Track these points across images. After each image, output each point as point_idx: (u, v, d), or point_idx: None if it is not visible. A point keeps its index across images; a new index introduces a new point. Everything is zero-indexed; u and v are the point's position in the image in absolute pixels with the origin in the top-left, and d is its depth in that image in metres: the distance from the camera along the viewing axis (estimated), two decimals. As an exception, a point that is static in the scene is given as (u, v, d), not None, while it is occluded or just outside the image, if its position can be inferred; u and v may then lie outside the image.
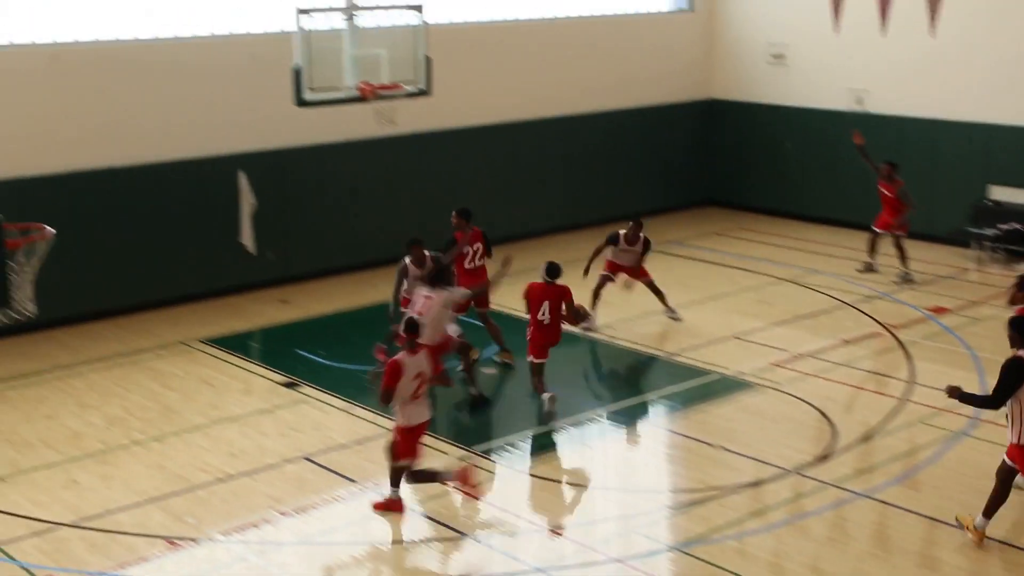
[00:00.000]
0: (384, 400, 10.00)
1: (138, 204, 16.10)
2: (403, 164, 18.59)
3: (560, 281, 12.79)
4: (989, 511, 9.62)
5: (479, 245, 14.26)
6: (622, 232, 15.29)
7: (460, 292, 12.69)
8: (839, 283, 17.43)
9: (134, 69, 15.97)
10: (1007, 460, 9.50)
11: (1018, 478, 9.70)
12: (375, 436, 11.88)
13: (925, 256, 18.73)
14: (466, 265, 14.14)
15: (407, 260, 13.31)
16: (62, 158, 15.51)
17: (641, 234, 15.28)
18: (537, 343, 12.78)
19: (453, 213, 14.19)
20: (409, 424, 10.17)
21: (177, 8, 16.42)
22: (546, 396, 12.53)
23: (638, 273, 15.54)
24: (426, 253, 13.29)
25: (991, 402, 9.39)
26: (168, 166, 16.33)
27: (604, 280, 15.41)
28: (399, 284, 13.29)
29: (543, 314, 12.72)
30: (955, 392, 9.45)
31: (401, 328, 10.36)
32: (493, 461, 11.37)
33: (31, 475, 11.08)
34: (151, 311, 16.21)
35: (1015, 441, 9.34)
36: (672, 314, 15.47)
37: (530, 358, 12.79)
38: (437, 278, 12.44)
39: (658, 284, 15.53)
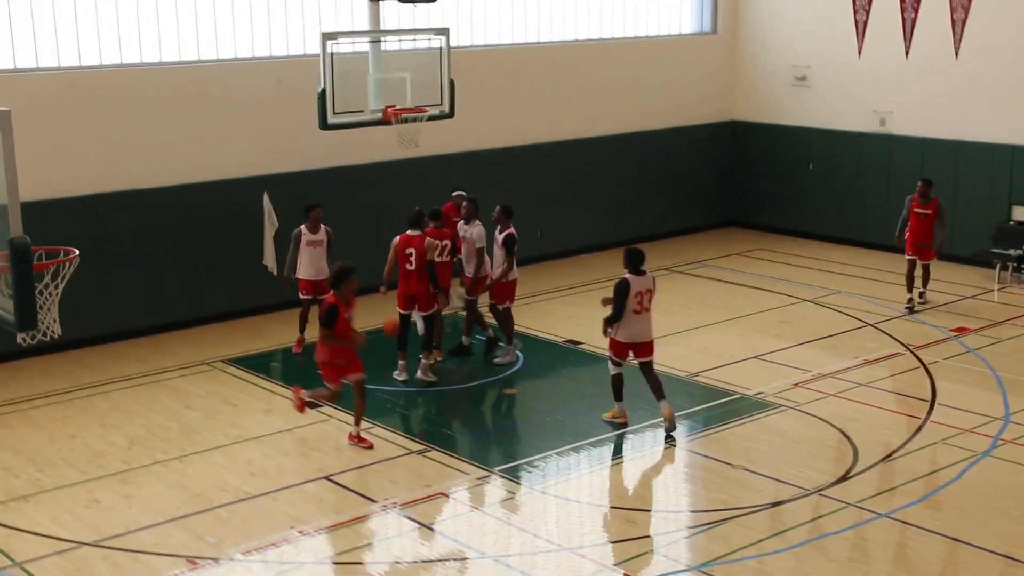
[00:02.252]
0: None
1: (162, 226, 16.19)
2: (426, 186, 18.62)
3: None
4: (617, 395, 12.63)
5: (447, 243, 14.32)
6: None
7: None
8: (860, 303, 17.31)
9: (159, 92, 16.09)
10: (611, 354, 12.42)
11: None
12: (397, 455, 11.88)
13: (948, 276, 18.62)
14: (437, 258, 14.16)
15: (303, 227, 14.78)
16: (88, 180, 15.62)
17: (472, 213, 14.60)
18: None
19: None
20: None
21: (202, 32, 16.54)
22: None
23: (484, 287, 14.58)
24: (323, 226, 14.79)
25: (614, 316, 12.17)
26: (192, 188, 16.44)
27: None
28: (295, 248, 14.78)
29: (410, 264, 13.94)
30: (607, 321, 12.22)
31: None
32: (513, 481, 11.33)
33: (54, 494, 11.11)
34: (174, 332, 16.31)
35: (613, 336, 12.31)
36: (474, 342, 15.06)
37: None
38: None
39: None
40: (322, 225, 15.03)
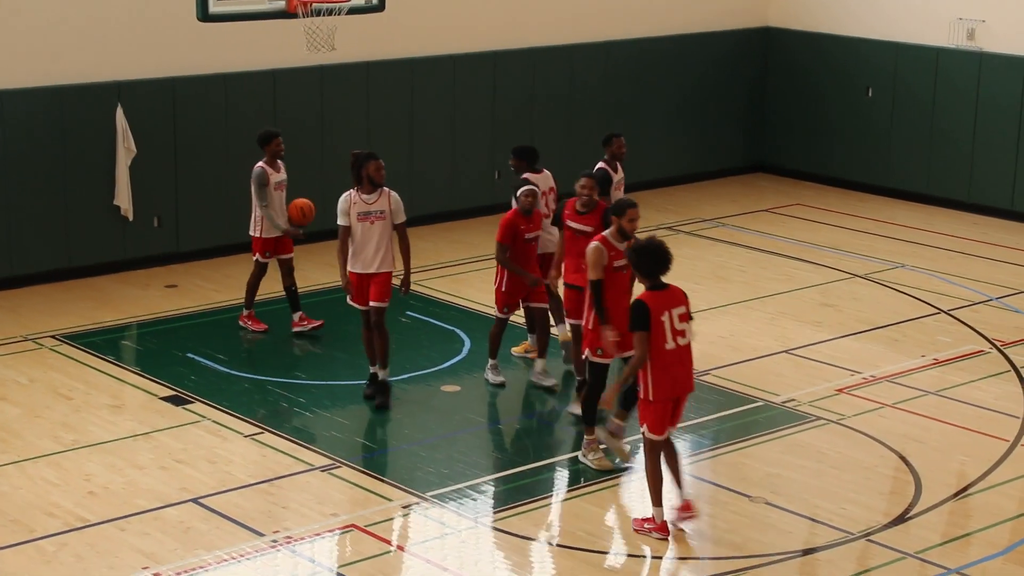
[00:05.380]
0: None
1: (-26, 147, 16.06)
2: (344, 104, 18.51)
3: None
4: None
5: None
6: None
7: None
8: (932, 282, 17.46)
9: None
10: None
11: None
12: (290, 473, 11.86)
13: (1051, 249, 18.92)
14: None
15: (263, 164, 14.83)
16: None
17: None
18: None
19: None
20: None
21: None
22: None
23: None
24: (281, 163, 14.90)
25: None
26: (9, 96, 16.29)
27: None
28: (262, 195, 14.75)
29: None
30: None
31: None
32: (451, 511, 11.37)
33: None
34: (-13, 295, 16.24)
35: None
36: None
37: None
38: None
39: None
40: (280, 161, 15.07)
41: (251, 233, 15.07)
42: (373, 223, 13.14)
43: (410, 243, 13.49)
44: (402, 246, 13.38)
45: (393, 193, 13.28)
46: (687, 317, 10.70)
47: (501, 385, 13.88)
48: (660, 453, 10.84)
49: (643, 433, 10.84)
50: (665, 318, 10.50)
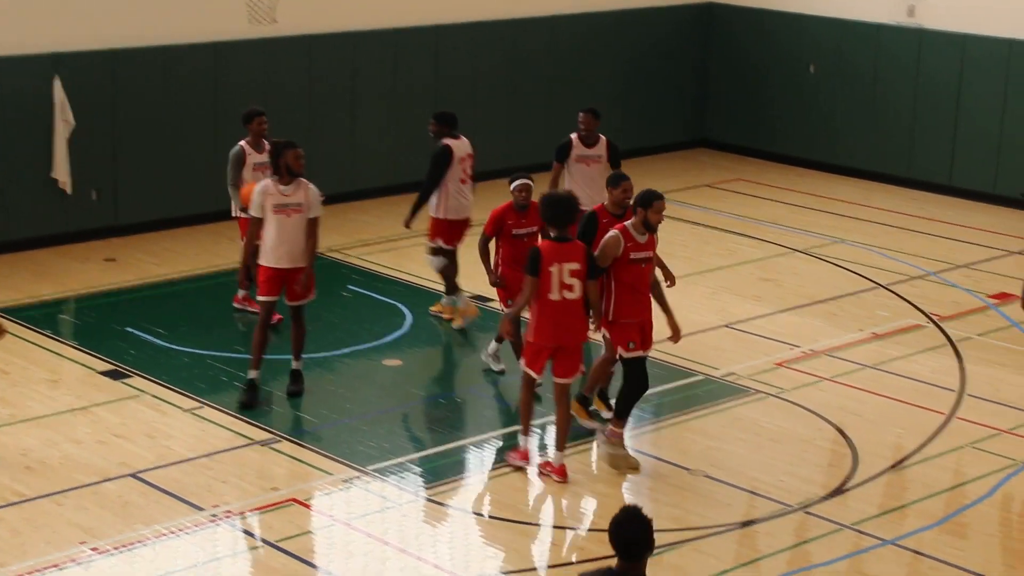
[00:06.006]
0: None
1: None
2: (285, 78, 18.43)
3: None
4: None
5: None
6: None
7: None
8: (870, 257, 17.60)
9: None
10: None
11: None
12: (230, 448, 11.84)
13: (989, 223, 19.07)
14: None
15: (243, 143, 14.33)
16: None
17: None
18: None
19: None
20: None
21: None
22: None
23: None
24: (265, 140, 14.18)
25: (427, 188, 14.35)
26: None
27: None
28: (236, 176, 14.21)
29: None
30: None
31: None
32: (391, 485, 11.38)
33: None
34: (-77, 268, 16.09)
35: (435, 216, 14.42)
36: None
37: None
38: None
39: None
40: (266, 141, 14.43)
41: (233, 214, 14.66)
42: (290, 216, 12.37)
43: (319, 240, 12.70)
44: (309, 243, 12.48)
45: (311, 186, 12.51)
46: (580, 274, 11.01)
47: (501, 372, 13.56)
48: (532, 389, 11.38)
49: (520, 366, 11.42)
50: (554, 269, 10.93)
